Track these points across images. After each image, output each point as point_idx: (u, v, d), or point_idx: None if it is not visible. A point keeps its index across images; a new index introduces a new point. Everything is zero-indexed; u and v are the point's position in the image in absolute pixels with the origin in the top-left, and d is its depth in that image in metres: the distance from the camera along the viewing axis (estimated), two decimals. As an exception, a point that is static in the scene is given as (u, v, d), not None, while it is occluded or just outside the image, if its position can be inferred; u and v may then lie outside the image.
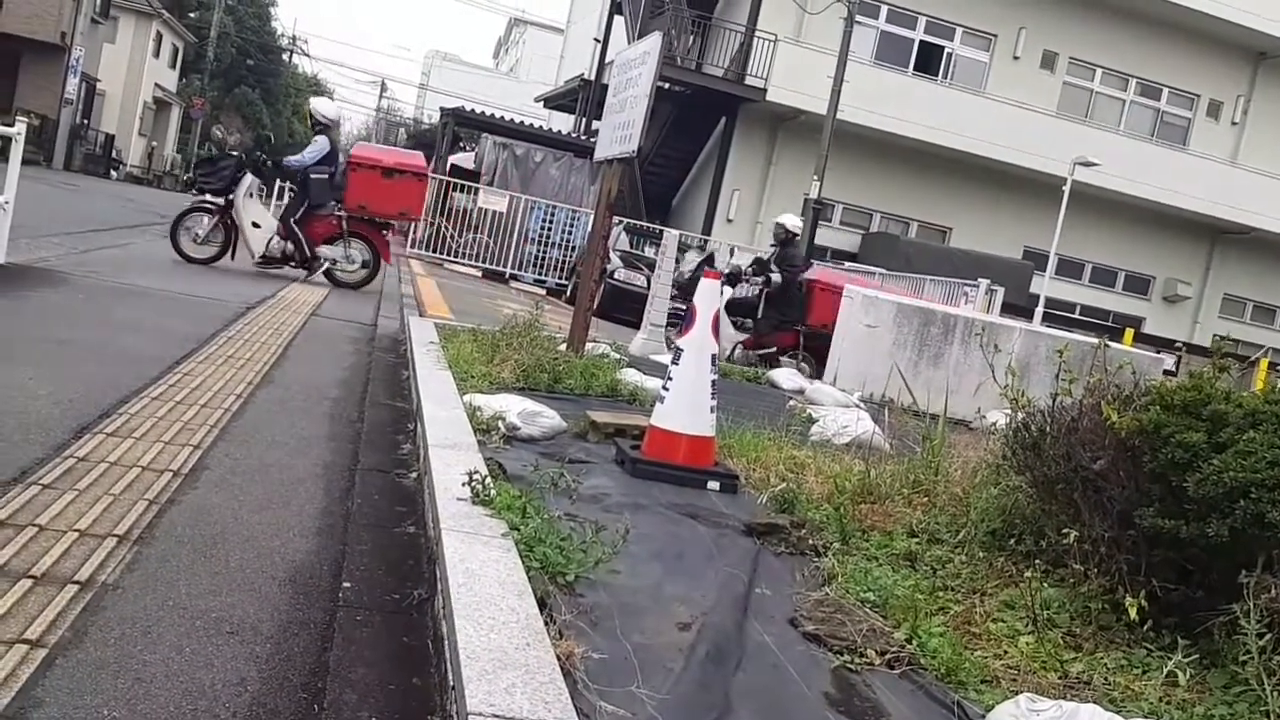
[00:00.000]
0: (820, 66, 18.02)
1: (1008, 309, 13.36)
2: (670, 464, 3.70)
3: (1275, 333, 23.99)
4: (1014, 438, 3.27)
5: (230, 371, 4.92)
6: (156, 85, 38.49)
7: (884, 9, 21.06)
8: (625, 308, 12.45)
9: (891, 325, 8.09)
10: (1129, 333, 15.46)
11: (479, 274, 16.76)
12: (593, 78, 25.23)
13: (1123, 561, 2.65)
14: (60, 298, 6.26)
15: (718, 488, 3.67)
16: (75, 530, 2.57)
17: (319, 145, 9.94)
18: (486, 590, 2.20)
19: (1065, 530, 2.73)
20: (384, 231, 10.39)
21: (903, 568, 2.94)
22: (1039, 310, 15.90)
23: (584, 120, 25.50)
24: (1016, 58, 21.63)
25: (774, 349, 10.07)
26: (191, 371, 4.77)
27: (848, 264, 17.70)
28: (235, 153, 10.37)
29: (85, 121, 30.23)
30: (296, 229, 9.82)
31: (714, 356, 3.82)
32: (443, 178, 17.88)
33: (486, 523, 2.67)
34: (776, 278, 9.93)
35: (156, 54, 37.99)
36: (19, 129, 7.08)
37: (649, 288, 9.70)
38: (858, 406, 6.21)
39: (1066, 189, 17.93)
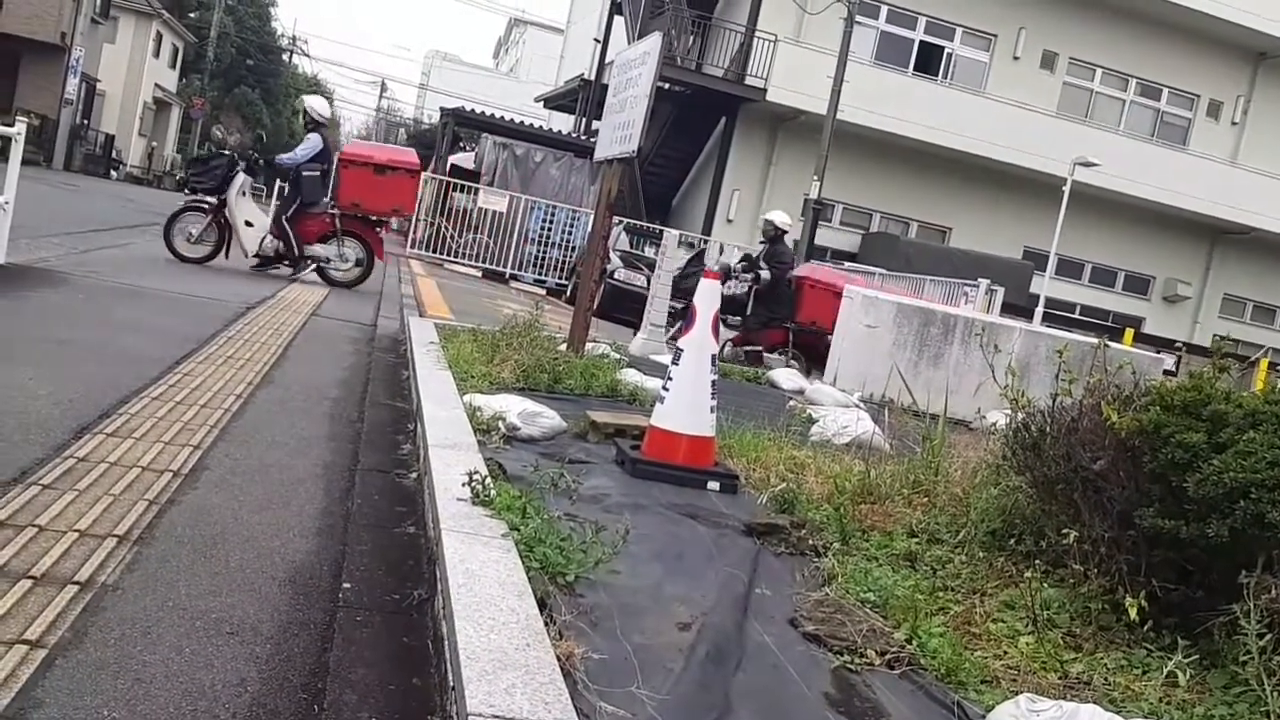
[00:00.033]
0: (820, 66, 18.04)
1: (1008, 309, 13.36)
2: (670, 464, 3.70)
3: (1275, 333, 24.00)
4: (1014, 438, 3.26)
5: (230, 372, 4.92)
6: (156, 85, 38.48)
7: (884, 9, 21.06)
8: (625, 308, 12.45)
9: (891, 325, 8.09)
10: (1129, 333, 15.45)
11: (479, 274, 16.76)
12: (593, 78, 25.24)
13: (1123, 562, 2.65)
14: (60, 298, 6.26)
15: (718, 488, 3.67)
16: (75, 531, 2.57)
17: (312, 143, 9.91)
18: (486, 591, 2.20)
19: (1065, 530, 2.73)
20: (378, 229, 10.39)
21: (903, 568, 2.94)
22: (1039, 310, 15.89)
23: (584, 120, 25.51)
24: (1016, 58, 21.63)
25: (761, 346, 10.08)
26: (191, 372, 4.77)
27: (847, 264, 17.69)
28: (227, 151, 10.35)
29: (85, 122, 30.21)
30: (287, 227, 9.80)
31: (714, 357, 3.82)
32: (443, 178, 17.89)
33: (486, 523, 2.67)
34: (765, 274, 9.92)
35: (156, 54, 37.98)
36: (19, 129, 7.08)
37: (649, 288, 9.70)
38: (858, 407, 6.20)
39: (1066, 189, 17.93)
